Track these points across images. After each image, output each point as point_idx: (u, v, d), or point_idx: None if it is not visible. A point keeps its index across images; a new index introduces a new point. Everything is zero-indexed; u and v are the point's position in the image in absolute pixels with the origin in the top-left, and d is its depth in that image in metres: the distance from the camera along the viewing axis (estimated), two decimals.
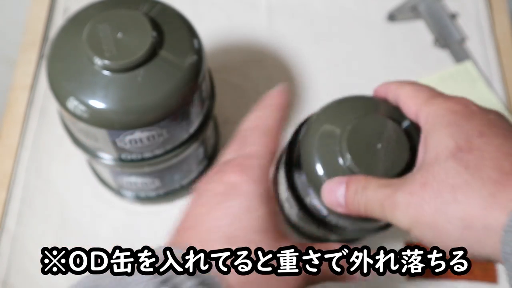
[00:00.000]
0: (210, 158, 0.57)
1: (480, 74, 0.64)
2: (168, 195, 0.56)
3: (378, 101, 0.41)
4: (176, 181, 0.54)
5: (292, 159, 0.44)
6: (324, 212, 0.42)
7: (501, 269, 0.54)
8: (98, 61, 0.40)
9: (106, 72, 0.40)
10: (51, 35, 0.66)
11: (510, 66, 0.65)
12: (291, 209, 0.49)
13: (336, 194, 0.36)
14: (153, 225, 0.57)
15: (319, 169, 0.39)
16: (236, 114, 0.62)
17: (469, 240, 0.30)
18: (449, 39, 0.66)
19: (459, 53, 0.65)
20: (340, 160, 0.39)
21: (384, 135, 0.38)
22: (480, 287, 0.54)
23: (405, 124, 0.39)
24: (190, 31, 0.45)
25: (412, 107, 0.36)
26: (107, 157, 0.47)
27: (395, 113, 0.40)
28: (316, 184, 0.40)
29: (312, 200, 0.42)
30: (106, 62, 0.40)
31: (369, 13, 0.69)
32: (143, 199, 0.56)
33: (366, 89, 0.48)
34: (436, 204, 0.30)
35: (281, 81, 0.64)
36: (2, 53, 0.87)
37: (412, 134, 0.39)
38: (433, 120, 0.33)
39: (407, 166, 0.38)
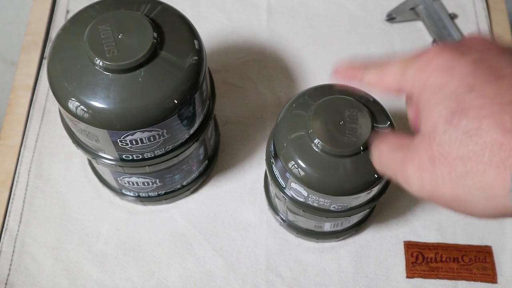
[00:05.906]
0: (211, 158, 0.58)
1: None
2: (168, 195, 0.56)
3: (338, 85, 0.45)
4: (177, 181, 0.54)
5: (270, 153, 0.48)
6: (304, 193, 0.45)
7: (501, 269, 0.54)
8: (99, 62, 0.40)
9: (107, 73, 0.41)
10: (53, 36, 0.66)
11: None
12: (280, 203, 0.52)
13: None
14: (153, 225, 0.57)
15: (290, 149, 0.43)
16: (236, 114, 0.62)
17: (495, 207, 0.29)
18: (447, 40, 0.66)
19: None
20: (308, 139, 0.42)
21: (345, 112, 0.42)
22: (480, 287, 0.54)
23: (363, 100, 0.44)
24: (190, 32, 0.45)
25: (392, 83, 0.34)
26: (108, 158, 0.47)
27: (354, 93, 0.45)
28: (290, 165, 0.43)
29: (291, 183, 0.45)
30: (107, 62, 0.40)
31: (368, 14, 0.69)
32: (144, 199, 0.56)
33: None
34: (451, 178, 0.30)
35: (281, 81, 0.64)
36: (4, 53, 0.88)
37: (371, 108, 0.43)
38: (419, 89, 0.32)
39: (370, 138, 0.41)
